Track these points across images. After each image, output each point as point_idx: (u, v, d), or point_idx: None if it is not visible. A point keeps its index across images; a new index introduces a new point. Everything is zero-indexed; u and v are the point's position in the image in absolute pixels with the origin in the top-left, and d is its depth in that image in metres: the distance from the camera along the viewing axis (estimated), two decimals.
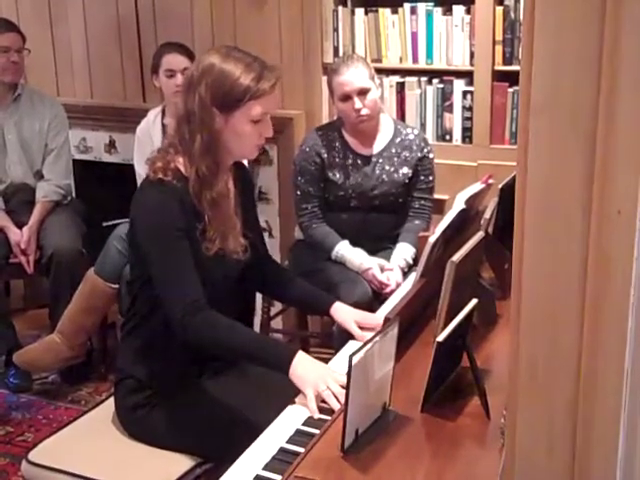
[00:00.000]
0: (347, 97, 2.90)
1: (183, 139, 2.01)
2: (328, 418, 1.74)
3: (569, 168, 0.87)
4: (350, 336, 2.21)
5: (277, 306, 3.54)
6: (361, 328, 2.19)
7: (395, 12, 3.39)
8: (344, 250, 2.95)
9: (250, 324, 2.29)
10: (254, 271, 2.23)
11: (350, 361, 1.51)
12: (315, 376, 1.85)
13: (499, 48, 3.22)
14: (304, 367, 1.88)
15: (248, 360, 2.06)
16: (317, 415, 1.79)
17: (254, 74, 1.96)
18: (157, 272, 1.98)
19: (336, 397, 1.80)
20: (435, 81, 3.44)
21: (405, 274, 2.88)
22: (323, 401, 1.82)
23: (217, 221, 2.02)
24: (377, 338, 1.61)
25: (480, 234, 2.09)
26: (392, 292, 2.70)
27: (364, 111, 2.90)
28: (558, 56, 0.86)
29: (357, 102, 2.88)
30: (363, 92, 2.89)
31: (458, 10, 3.28)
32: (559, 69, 0.87)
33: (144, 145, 3.35)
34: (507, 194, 2.27)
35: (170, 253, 1.96)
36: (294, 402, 1.86)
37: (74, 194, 3.80)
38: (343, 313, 2.24)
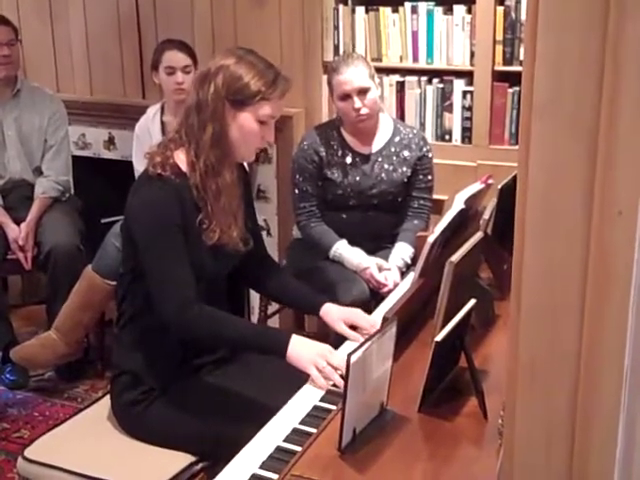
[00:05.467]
0: (347, 96, 2.89)
1: (191, 129, 2.03)
2: (339, 390, 1.74)
3: (570, 169, 0.87)
4: (345, 337, 2.19)
5: (274, 305, 3.53)
6: (354, 328, 2.18)
7: (396, 11, 3.39)
8: (342, 249, 2.95)
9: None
10: (250, 268, 2.25)
11: (348, 360, 1.51)
12: (312, 354, 1.93)
13: (499, 48, 3.22)
14: (300, 348, 1.94)
15: (245, 349, 2.10)
16: (326, 387, 1.88)
17: (267, 79, 2.02)
18: (151, 269, 1.98)
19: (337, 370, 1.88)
20: (435, 81, 3.43)
21: (403, 274, 2.87)
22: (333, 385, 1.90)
23: (220, 212, 2.03)
24: (375, 337, 1.61)
25: (479, 234, 2.09)
26: (390, 292, 2.70)
27: (363, 110, 2.89)
28: (560, 57, 0.86)
29: (357, 101, 2.88)
30: (363, 91, 2.88)
31: (459, 10, 3.28)
32: (561, 70, 0.86)
33: (143, 142, 3.34)
34: (506, 194, 2.26)
35: (165, 251, 1.97)
36: (292, 400, 1.86)
37: (72, 190, 3.79)
38: (331, 314, 2.21)
